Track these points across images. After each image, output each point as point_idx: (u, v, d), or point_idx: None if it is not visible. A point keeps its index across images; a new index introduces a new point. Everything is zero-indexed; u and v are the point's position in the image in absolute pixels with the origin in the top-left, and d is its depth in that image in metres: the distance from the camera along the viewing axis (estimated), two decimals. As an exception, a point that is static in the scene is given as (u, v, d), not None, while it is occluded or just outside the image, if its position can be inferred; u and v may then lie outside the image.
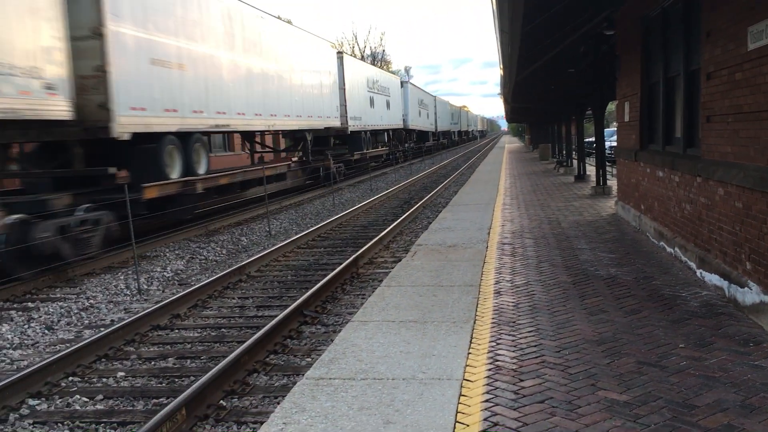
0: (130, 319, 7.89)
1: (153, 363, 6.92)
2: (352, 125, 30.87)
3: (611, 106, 31.92)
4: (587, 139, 28.44)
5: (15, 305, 9.65)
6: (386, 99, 40.44)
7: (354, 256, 10.97)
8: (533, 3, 7.61)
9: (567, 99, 21.62)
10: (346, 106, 29.95)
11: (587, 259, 8.25)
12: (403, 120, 46.77)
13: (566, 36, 11.86)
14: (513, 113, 39.76)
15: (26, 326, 8.54)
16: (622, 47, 11.39)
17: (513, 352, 4.94)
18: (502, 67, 16.16)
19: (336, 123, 28.39)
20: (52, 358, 6.55)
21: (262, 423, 4.69)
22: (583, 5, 9.90)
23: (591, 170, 21.55)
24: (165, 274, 11.47)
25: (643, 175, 9.87)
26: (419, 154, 55.79)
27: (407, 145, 50.36)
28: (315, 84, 25.58)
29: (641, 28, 9.75)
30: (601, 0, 10.18)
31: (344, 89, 29.95)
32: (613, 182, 16.16)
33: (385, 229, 14.38)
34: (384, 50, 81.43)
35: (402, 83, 47.71)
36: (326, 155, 27.78)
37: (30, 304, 9.64)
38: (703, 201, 6.88)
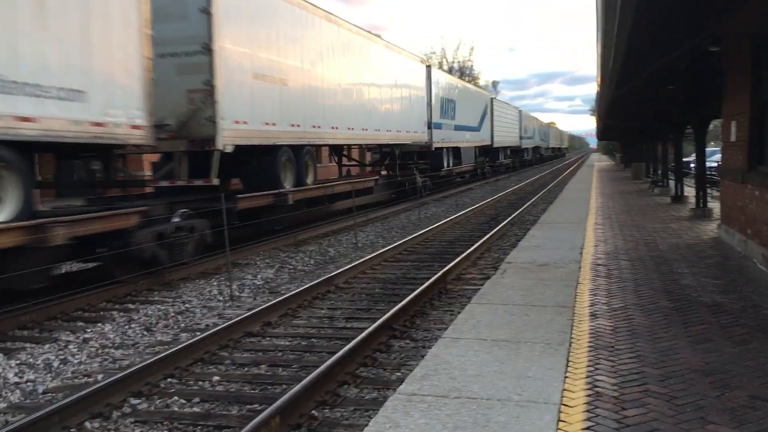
0: (225, 325, 8.12)
1: (246, 369, 7.08)
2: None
3: (712, 125, 30.57)
4: (685, 159, 27.34)
5: (117, 306, 10.11)
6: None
7: (442, 271, 10.91)
8: (639, 22, 7.40)
9: (665, 117, 20.87)
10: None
11: (689, 284, 7.89)
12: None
13: (668, 52, 11.46)
14: (605, 131, 38.73)
15: (127, 327, 8.92)
16: (728, 64, 10.90)
17: (613, 378, 4.76)
18: (599, 82, 15.81)
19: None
20: (152, 359, 6.81)
21: (355, 436, 4.71)
22: (688, 22, 9.53)
23: (688, 191, 20.68)
24: (255, 281, 11.75)
25: (750, 198, 9.38)
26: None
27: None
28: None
29: (752, 44, 9.30)
30: (707, 16, 9.77)
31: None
32: (714, 204, 15.44)
33: (472, 245, 14.24)
34: (472, 65, 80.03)
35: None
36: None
37: (130, 306, 10.08)
38: (820, 227, 6.46)
